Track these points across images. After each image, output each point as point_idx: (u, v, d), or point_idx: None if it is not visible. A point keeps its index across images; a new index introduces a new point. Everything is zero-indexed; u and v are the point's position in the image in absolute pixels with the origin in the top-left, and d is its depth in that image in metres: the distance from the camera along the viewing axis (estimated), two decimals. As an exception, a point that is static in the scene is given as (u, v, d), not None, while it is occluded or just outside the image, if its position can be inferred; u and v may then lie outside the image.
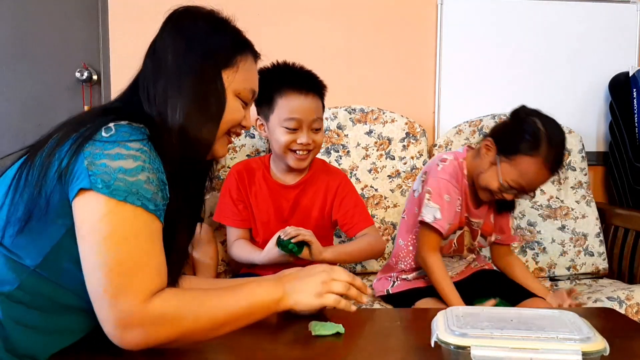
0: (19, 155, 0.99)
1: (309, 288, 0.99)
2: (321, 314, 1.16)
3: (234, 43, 1.07)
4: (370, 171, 2.25)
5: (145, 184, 0.89)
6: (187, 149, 0.99)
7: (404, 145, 2.28)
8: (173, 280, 1.03)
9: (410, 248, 1.81)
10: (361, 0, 2.43)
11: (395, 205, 2.24)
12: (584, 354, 0.85)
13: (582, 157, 2.40)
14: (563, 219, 2.32)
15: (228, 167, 2.00)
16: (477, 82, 2.49)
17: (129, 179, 0.87)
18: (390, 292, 1.83)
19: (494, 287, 1.76)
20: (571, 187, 2.36)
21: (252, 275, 1.71)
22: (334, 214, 1.82)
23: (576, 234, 2.31)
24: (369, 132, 2.27)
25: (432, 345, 0.91)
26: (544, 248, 2.29)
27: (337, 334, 1.11)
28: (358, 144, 2.26)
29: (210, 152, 1.05)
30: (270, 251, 1.63)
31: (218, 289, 0.98)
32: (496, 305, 1.55)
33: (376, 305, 1.84)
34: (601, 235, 2.33)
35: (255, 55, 1.12)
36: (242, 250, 1.78)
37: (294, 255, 1.60)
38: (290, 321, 1.10)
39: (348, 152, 2.25)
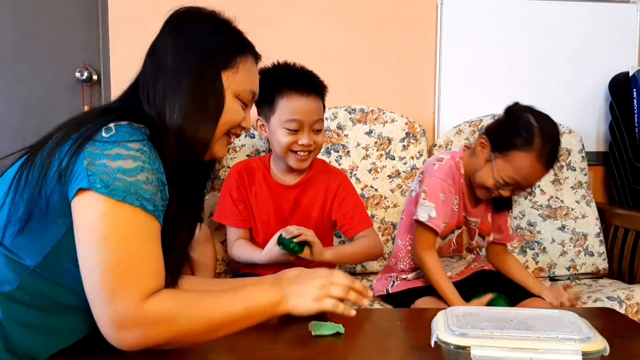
0: (19, 155, 0.99)
1: (307, 292, 0.98)
2: (321, 314, 1.16)
3: (234, 44, 1.07)
4: (370, 171, 2.25)
5: (144, 185, 0.89)
6: (185, 149, 0.98)
7: (404, 145, 2.28)
8: (173, 280, 1.03)
9: (409, 248, 1.82)
10: (361, 0, 2.43)
11: (395, 205, 2.24)
12: (584, 354, 0.85)
13: (582, 157, 2.40)
14: (563, 219, 2.32)
15: (228, 167, 2.00)
16: (477, 82, 2.49)
17: (128, 179, 0.87)
18: (390, 291, 1.84)
19: (493, 287, 1.75)
20: (571, 187, 2.36)
21: (253, 275, 1.71)
22: (333, 214, 1.82)
23: (576, 234, 2.31)
24: (369, 132, 2.27)
25: (432, 345, 0.91)
26: (544, 248, 2.29)
27: (337, 334, 1.11)
28: (358, 144, 2.26)
29: (208, 152, 1.05)
30: (271, 250, 1.63)
31: (216, 292, 0.98)
32: (493, 299, 1.55)
33: (376, 305, 1.84)
34: (601, 235, 2.33)
35: (256, 57, 1.12)
36: (243, 250, 1.78)
37: (295, 255, 1.60)
38: (290, 321, 1.10)
39: (348, 152, 2.25)
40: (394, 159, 2.27)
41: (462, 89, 2.49)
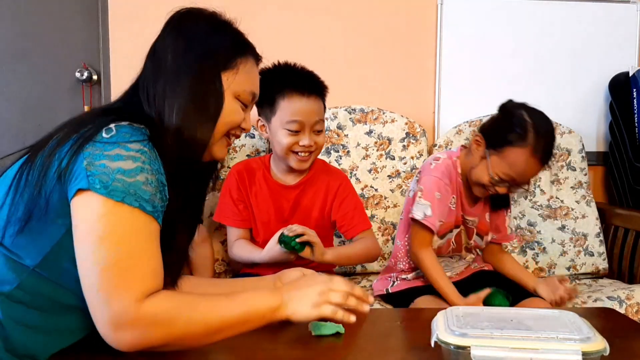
0: (19, 155, 0.99)
1: (306, 298, 0.96)
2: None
3: (235, 45, 1.07)
4: (370, 171, 2.25)
5: (144, 185, 0.89)
6: (184, 149, 0.98)
7: (404, 145, 2.28)
8: (172, 280, 1.03)
9: (408, 248, 1.82)
10: (361, 0, 2.43)
11: (395, 205, 2.24)
12: (584, 354, 0.85)
13: (582, 157, 2.40)
14: (563, 219, 2.32)
15: (228, 167, 2.00)
16: (477, 82, 2.49)
17: (127, 180, 0.87)
18: (390, 291, 1.84)
19: (493, 287, 1.76)
20: (571, 187, 2.36)
21: (253, 275, 1.71)
22: (333, 215, 1.82)
23: (576, 234, 2.31)
24: (369, 132, 2.27)
25: (432, 345, 0.91)
26: (544, 248, 2.29)
27: (337, 334, 1.11)
28: (358, 144, 2.26)
29: (207, 153, 1.05)
30: (272, 249, 1.63)
31: (214, 295, 0.97)
32: (491, 294, 1.55)
33: (376, 305, 1.84)
34: (601, 235, 2.33)
35: (257, 58, 1.11)
36: (243, 249, 1.78)
37: (296, 254, 1.60)
38: (290, 322, 1.10)
39: (348, 152, 2.25)
40: (394, 159, 2.27)
41: (462, 89, 2.49)
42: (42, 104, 2.42)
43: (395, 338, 1.21)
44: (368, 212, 2.19)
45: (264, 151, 2.15)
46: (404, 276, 1.84)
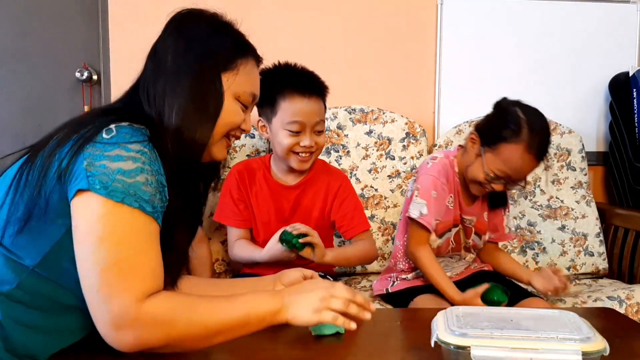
0: (19, 155, 0.99)
1: (307, 304, 0.96)
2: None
3: (235, 46, 1.07)
4: (370, 171, 2.25)
5: (144, 186, 0.89)
6: (183, 149, 0.98)
7: (404, 145, 2.28)
8: (172, 281, 1.03)
9: (407, 247, 1.82)
10: (361, 0, 2.43)
11: (395, 205, 2.24)
12: (584, 354, 0.85)
13: (582, 157, 2.40)
14: (563, 219, 2.32)
15: (228, 167, 2.00)
16: (477, 82, 2.49)
17: (127, 181, 0.87)
18: (390, 291, 1.84)
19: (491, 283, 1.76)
20: (571, 187, 2.37)
21: (253, 275, 1.71)
22: (332, 215, 1.83)
23: (576, 234, 2.31)
24: (369, 132, 2.27)
25: (432, 345, 0.92)
26: (544, 248, 2.29)
27: (337, 334, 1.11)
28: (358, 144, 2.26)
29: (207, 153, 1.05)
30: (272, 247, 1.63)
31: (215, 297, 0.97)
32: (489, 289, 1.55)
33: (376, 305, 1.83)
34: (601, 235, 2.33)
35: (258, 60, 1.12)
36: (243, 249, 1.78)
37: (296, 252, 1.59)
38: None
39: (348, 152, 2.25)
40: (394, 159, 2.27)
41: (462, 89, 2.49)
42: (42, 104, 2.42)
43: (395, 338, 1.21)
44: (368, 212, 2.19)
45: (264, 151, 2.15)
46: (403, 276, 1.84)
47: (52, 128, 0.98)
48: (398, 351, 1.11)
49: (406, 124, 2.29)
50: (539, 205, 2.33)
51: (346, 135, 2.26)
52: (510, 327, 0.92)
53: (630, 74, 2.48)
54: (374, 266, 2.18)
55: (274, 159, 1.83)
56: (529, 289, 1.87)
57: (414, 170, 2.25)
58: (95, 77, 2.41)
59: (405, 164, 2.27)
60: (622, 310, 1.84)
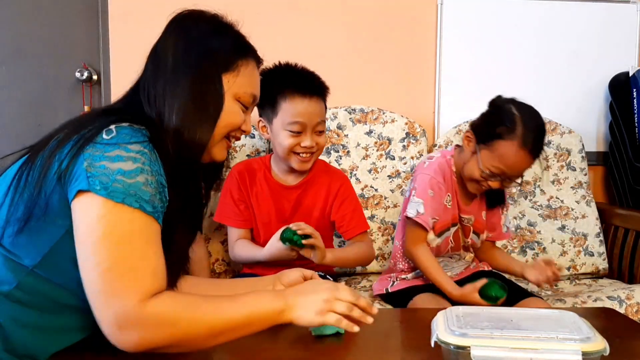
0: (19, 156, 0.99)
1: (311, 305, 0.96)
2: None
3: (236, 47, 1.07)
4: (370, 171, 2.25)
5: (144, 186, 0.89)
6: (183, 150, 0.98)
7: (404, 146, 2.28)
8: (172, 281, 1.03)
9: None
10: (361, 1, 2.43)
11: (395, 206, 2.24)
12: (584, 354, 0.85)
13: (582, 157, 2.40)
14: (563, 219, 2.32)
15: (228, 168, 2.00)
16: (477, 82, 2.49)
17: (128, 181, 0.87)
18: (389, 291, 1.84)
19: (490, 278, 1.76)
20: (571, 187, 2.37)
21: (253, 276, 1.71)
22: (332, 215, 1.83)
23: (576, 234, 2.31)
24: (369, 132, 2.27)
25: (432, 345, 0.91)
26: (544, 248, 2.29)
27: (337, 334, 1.11)
28: (358, 144, 2.26)
29: (207, 154, 1.05)
30: (273, 245, 1.62)
31: (218, 296, 0.97)
32: (487, 284, 1.55)
33: (376, 305, 1.84)
34: (601, 235, 2.33)
35: (258, 61, 1.12)
36: (244, 249, 1.78)
37: (297, 250, 1.58)
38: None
39: (348, 152, 2.25)
40: (394, 159, 2.27)
41: (462, 89, 2.49)
42: (42, 104, 2.42)
43: (395, 338, 1.21)
44: (368, 212, 2.19)
45: (264, 151, 2.15)
46: (403, 276, 1.84)
47: (52, 128, 0.98)
48: (398, 351, 1.11)
49: (406, 124, 2.29)
50: (539, 205, 2.33)
51: (346, 135, 2.26)
52: (510, 327, 0.92)
53: (630, 74, 2.48)
54: (374, 266, 2.18)
55: (275, 159, 1.83)
56: (529, 288, 1.87)
57: (413, 170, 2.25)
58: (95, 77, 2.41)
59: (405, 164, 2.27)
60: (622, 310, 1.84)
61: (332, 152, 2.23)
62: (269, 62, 1.62)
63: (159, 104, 0.99)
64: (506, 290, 1.55)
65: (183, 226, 1.02)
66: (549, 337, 0.88)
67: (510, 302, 1.67)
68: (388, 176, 2.26)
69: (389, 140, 2.28)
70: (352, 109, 2.28)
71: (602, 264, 2.31)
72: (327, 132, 2.19)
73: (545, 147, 1.68)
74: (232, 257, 1.84)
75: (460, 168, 1.74)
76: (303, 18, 2.40)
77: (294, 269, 1.23)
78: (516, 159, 1.61)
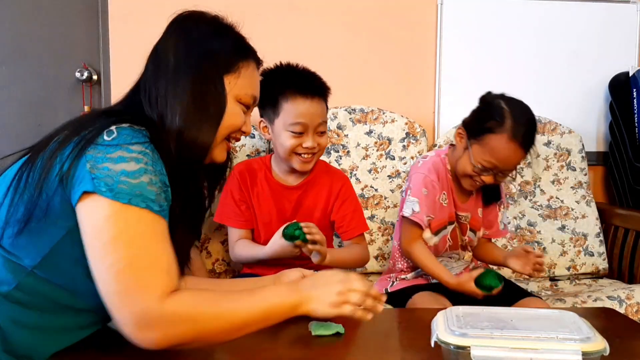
0: (19, 156, 0.99)
1: (325, 298, 0.97)
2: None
3: (236, 48, 1.07)
4: (370, 171, 2.25)
5: (149, 186, 0.89)
6: (186, 152, 0.98)
7: (404, 146, 2.28)
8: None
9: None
10: (361, 1, 2.43)
11: (395, 205, 2.24)
12: (584, 354, 0.85)
13: (582, 157, 2.40)
14: (563, 219, 2.32)
15: (229, 168, 2.00)
16: (477, 82, 2.48)
17: (132, 182, 0.87)
18: (389, 291, 1.84)
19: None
20: (571, 187, 2.37)
21: (253, 276, 1.70)
22: (332, 215, 1.83)
23: (576, 234, 2.31)
24: (369, 132, 2.27)
25: (432, 345, 0.92)
26: (544, 248, 2.29)
27: (337, 334, 1.11)
28: (358, 144, 2.26)
29: (208, 156, 1.05)
30: (276, 242, 1.62)
31: (235, 292, 0.98)
32: (483, 273, 1.56)
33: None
34: (601, 235, 2.33)
35: (258, 62, 1.12)
36: (245, 248, 1.77)
37: (300, 247, 1.57)
38: (290, 321, 1.10)
39: (348, 152, 2.25)
40: (394, 159, 2.27)
41: (462, 89, 2.49)
42: (42, 104, 2.42)
43: (395, 338, 1.21)
44: (368, 212, 2.19)
45: (264, 151, 2.15)
46: (403, 276, 1.84)
47: (52, 128, 0.98)
48: (398, 351, 1.11)
49: (406, 124, 2.29)
50: (539, 205, 2.33)
51: (346, 135, 2.26)
52: (510, 327, 0.92)
53: (630, 74, 2.48)
54: (374, 266, 2.18)
55: (275, 159, 1.83)
56: (528, 289, 1.87)
57: (409, 171, 2.25)
58: (95, 77, 2.41)
59: (405, 164, 2.27)
60: (622, 310, 1.85)
61: (332, 152, 2.23)
62: (269, 62, 1.62)
63: (161, 105, 0.99)
64: (502, 281, 1.56)
65: (183, 226, 1.02)
66: (549, 337, 0.88)
67: (509, 302, 1.68)
68: (388, 176, 2.26)
69: (389, 140, 2.28)
70: (352, 109, 2.28)
71: (602, 264, 2.31)
72: (327, 132, 2.19)
73: (537, 144, 1.70)
74: (232, 258, 1.84)
75: (454, 165, 1.75)
76: (303, 18, 2.40)
77: (294, 269, 1.23)
78: (506, 152, 1.63)
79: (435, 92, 2.50)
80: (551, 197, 2.34)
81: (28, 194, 0.91)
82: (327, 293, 0.98)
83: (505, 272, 1.95)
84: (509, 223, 1.96)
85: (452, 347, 0.88)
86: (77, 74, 2.39)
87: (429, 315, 1.00)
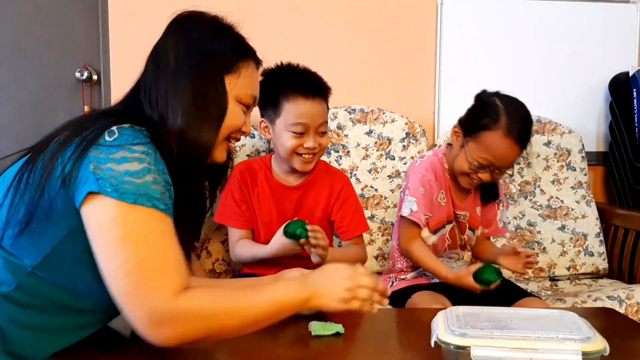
0: (19, 156, 0.98)
1: (334, 294, 0.99)
2: (320, 314, 1.16)
3: (236, 48, 1.07)
4: (370, 171, 2.25)
5: (153, 185, 0.89)
6: (187, 152, 0.98)
7: (404, 146, 2.28)
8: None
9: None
10: (361, 1, 2.43)
11: (395, 205, 2.23)
12: (584, 354, 0.85)
13: (582, 157, 2.40)
14: (563, 219, 2.32)
15: (230, 168, 1.99)
16: (477, 82, 2.46)
17: (137, 181, 0.87)
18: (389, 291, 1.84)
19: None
20: (571, 187, 2.37)
21: (253, 276, 1.70)
22: (332, 215, 1.83)
23: (576, 234, 2.31)
24: (369, 132, 2.27)
25: (432, 345, 0.92)
26: (544, 248, 2.29)
27: (337, 334, 1.11)
28: (358, 144, 2.26)
29: (209, 156, 1.05)
30: (278, 240, 1.61)
31: (247, 287, 1.00)
32: (482, 267, 1.56)
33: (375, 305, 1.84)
34: (601, 235, 2.33)
35: (258, 62, 1.12)
36: (245, 248, 1.77)
37: (302, 245, 1.57)
38: (290, 321, 1.10)
39: (348, 152, 2.25)
40: (394, 159, 2.27)
41: (462, 89, 2.47)
42: (42, 104, 2.42)
43: (395, 338, 1.21)
44: (368, 212, 2.19)
45: (264, 151, 2.15)
46: (402, 276, 1.84)
47: (52, 128, 0.98)
48: (398, 351, 1.11)
49: (406, 124, 2.29)
50: (539, 205, 2.33)
51: (346, 135, 2.26)
52: (510, 327, 0.92)
53: (630, 74, 2.48)
54: (374, 266, 2.18)
55: (275, 159, 1.83)
56: (528, 289, 1.87)
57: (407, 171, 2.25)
58: (95, 77, 2.41)
59: (405, 164, 2.27)
60: (622, 310, 1.85)
61: (332, 152, 2.23)
62: (269, 62, 1.62)
63: (161, 106, 0.99)
64: (500, 276, 1.56)
65: (183, 226, 1.02)
66: (549, 337, 0.88)
67: (509, 302, 1.68)
68: (388, 176, 2.26)
69: (389, 140, 2.28)
70: (352, 109, 2.28)
71: (602, 264, 2.31)
72: (328, 133, 2.19)
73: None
74: (233, 258, 1.83)
75: (452, 164, 1.76)
76: (303, 18, 2.40)
77: (294, 269, 1.23)
78: (502, 149, 1.63)
79: (435, 92, 2.50)
80: (551, 197, 2.34)
81: (29, 195, 0.91)
82: (336, 289, 0.99)
83: (505, 273, 1.95)
84: (509, 222, 1.96)
85: (452, 347, 0.88)
86: (77, 74, 2.39)
87: (429, 315, 1.00)
